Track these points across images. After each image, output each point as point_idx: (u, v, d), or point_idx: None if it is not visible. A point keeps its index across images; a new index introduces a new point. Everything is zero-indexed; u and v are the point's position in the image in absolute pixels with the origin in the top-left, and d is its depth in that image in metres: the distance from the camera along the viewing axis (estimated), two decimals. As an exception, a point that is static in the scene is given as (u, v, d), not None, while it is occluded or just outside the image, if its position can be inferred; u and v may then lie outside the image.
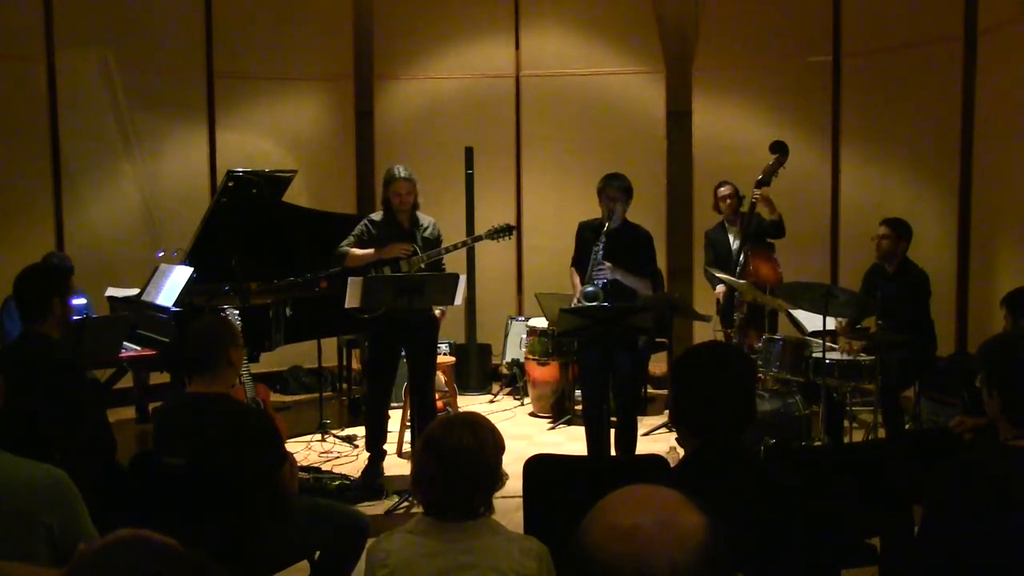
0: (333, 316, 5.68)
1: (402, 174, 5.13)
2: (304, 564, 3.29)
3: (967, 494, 2.06)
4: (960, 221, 6.51)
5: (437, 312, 5.34)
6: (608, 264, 4.87)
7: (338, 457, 5.75)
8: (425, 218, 5.27)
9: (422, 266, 5.14)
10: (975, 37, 6.35)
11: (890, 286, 5.41)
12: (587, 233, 5.06)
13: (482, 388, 7.56)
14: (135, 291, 5.75)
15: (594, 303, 4.74)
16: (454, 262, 6.52)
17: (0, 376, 2.31)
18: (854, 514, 3.10)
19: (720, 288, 6.27)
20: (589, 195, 5.05)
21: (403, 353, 5.38)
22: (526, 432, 6.43)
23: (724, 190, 6.30)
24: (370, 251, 5.14)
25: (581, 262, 5.02)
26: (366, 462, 5.28)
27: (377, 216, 5.28)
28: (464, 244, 5.49)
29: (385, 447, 5.33)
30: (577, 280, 5.04)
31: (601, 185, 4.97)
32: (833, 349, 5.46)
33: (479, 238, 5.53)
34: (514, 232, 5.46)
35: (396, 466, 5.47)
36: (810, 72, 7.25)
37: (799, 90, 7.31)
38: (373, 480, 5.12)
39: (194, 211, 6.59)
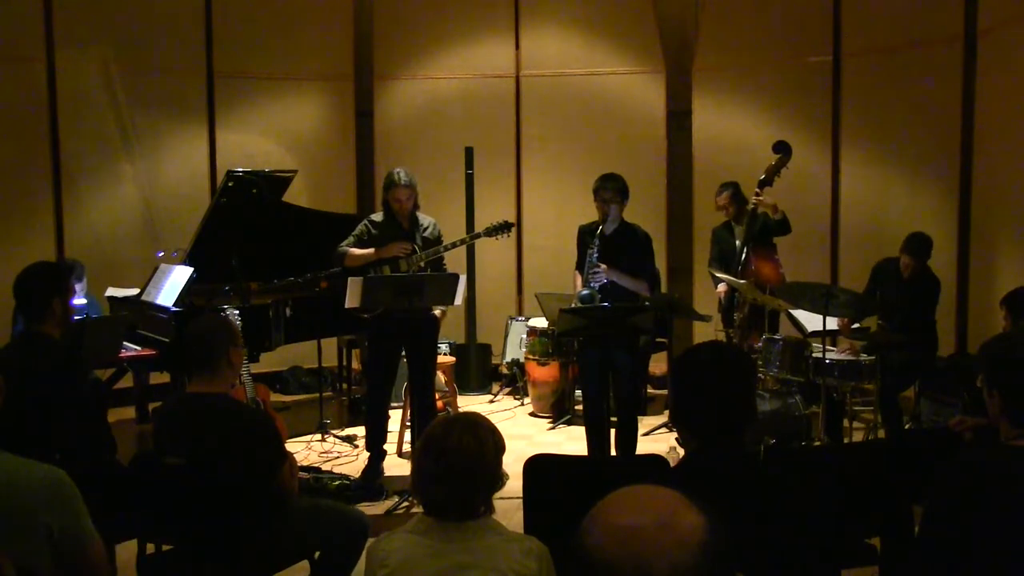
0: (333, 316, 5.68)
1: (402, 180, 5.11)
2: (304, 564, 3.29)
3: (967, 494, 2.06)
4: (960, 221, 6.50)
5: (437, 312, 5.34)
6: (603, 266, 4.88)
7: (338, 457, 5.75)
8: (425, 219, 5.28)
9: (421, 264, 5.14)
10: (975, 37, 6.34)
11: (900, 287, 5.42)
12: (586, 236, 5.06)
13: (482, 388, 7.56)
14: (135, 291, 5.75)
15: (590, 305, 4.75)
16: (454, 262, 6.52)
17: (0, 376, 2.31)
18: (854, 514, 3.10)
19: (721, 287, 6.27)
20: (589, 195, 5.05)
21: (403, 353, 5.39)
22: (526, 432, 6.43)
23: (721, 199, 6.31)
24: (370, 251, 5.15)
25: (582, 266, 5.03)
26: (366, 462, 5.28)
27: (378, 217, 5.29)
28: (463, 242, 5.50)
29: (385, 447, 5.33)
30: (579, 283, 5.04)
31: (596, 186, 4.96)
32: (832, 350, 5.46)
33: (477, 235, 5.53)
34: (512, 229, 5.46)
35: (396, 466, 5.46)
36: (810, 72, 7.25)
37: (799, 90, 7.31)
38: (373, 480, 5.12)
39: (194, 211, 6.58)
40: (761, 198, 5.93)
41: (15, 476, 2.12)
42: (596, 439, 4.97)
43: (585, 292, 4.86)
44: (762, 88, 7.44)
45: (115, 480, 3.24)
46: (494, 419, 2.36)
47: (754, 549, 1.77)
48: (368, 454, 5.29)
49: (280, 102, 7.79)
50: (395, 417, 5.78)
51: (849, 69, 7.10)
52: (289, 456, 3.20)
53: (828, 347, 5.29)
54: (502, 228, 5.37)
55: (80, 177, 6.98)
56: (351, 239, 5.25)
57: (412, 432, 5.19)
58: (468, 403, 6.95)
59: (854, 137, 7.12)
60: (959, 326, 6.48)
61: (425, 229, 5.24)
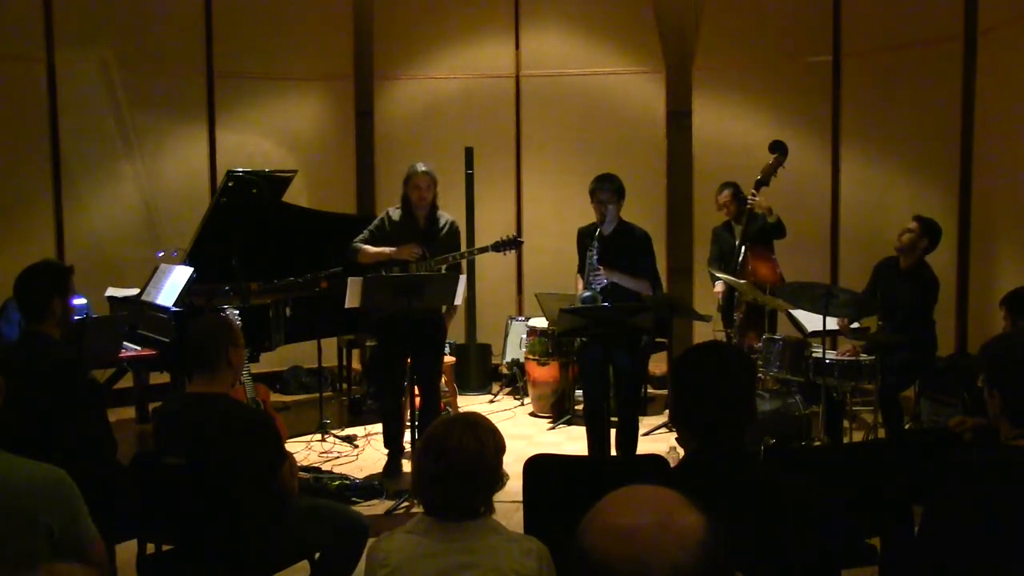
0: (333, 316, 5.69)
1: (422, 168, 5.19)
2: (304, 564, 3.29)
3: (967, 494, 2.06)
4: (960, 221, 6.50)
5: (444, 310, 5.35)
6: (602, 269, 4.88)
7: (338, 457, 5.75)
8: (443, 216, 5.30)
9: (433, 268, 5.15)
10: (975, 37, 6.34)
11: (900, 285, 5.41)
12: (585, 239, 5.07)
13: (482, 388, 7.55)
14: (135, 291, 5.75)
15: (590, 305, 4.76)
16: (454, 262, 6.51)
17: (0, 376, 2.31)
18: (854, 514, 3.10)
19: (719, 287, 6.27)
20: (589, 195, 5.05)
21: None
22: (526, 432, 6.42)
23: (722, 197, 6.31)
24: (384, 250, 5.16)
25: (583, 269, 5.04)
26: (387, 458, 5.38)
27: (395, 213, 5.29)
28: (470, 254, 5.49)
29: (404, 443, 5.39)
30: (580, 286, 5.05)
31: (592, 188, 4.97)
32: (833, 350, 5.47)
33: (484, 249, 5.49)
34: (521, 245, 5.48)
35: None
36: (810, 72, 7.24)
37: (799, 90, 7.31)
38: (395, 475, 5.20)
39: (194, 211, 6.58)
40: (757, 199, 5.94)
41: (15, 476, 2.12)
42: (596, 439, 4.97)
43: (587, 294, 4.86)
44: (762, 88, 7.43)
45: (115, 480, 3.24)
46: (494, 419, 2.36)
47: (754, 549, 1.77)
48: (387, 451, 5.38)
49: (280, 102, 7.79)
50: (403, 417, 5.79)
51: (849, 69, 7.10)
52: (289, 456, 3.20)
53: (828, 347, 5.29)
54: (511, 244, 5.33)
55: (80, 177, 6.98)
56: (365, 234, 5.27)
57: (413, 432, 5.19)
58: (468, 403, 6.95)
59: (854, 137, 7.11)
60: (959, 326, 6.48)
61: (442, 229, 5.25)
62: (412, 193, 5.16)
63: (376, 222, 5.30)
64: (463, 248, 5.49)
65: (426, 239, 5.19)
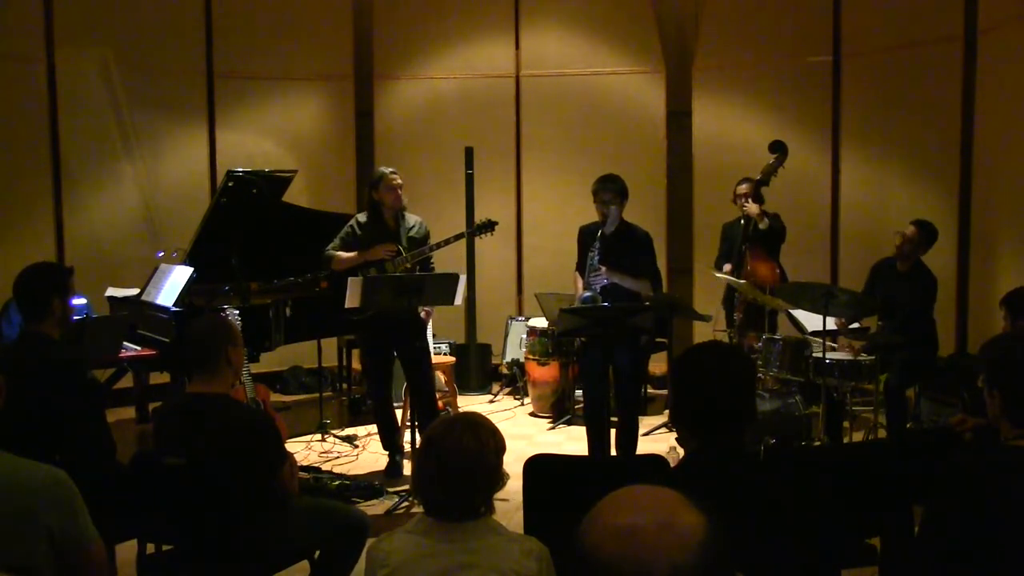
0: (333, 316, 5.69)
1: (391, 169, 5.21)
2: (304, 564, 3.29)
3: (967, 494, 2.06)
4: (960, 221, 6.50)
5: (422, 313, 5.35)
6: (603, 268, 4.89)
7: (338, 457, 5.75)
8: (412, 217, 5.31)
9: (408, 266, 5.16)
10: (975, 37, 6.34)
11: (899, 286, 5.42)
12: (586, 238, 5.07)
13: (482, 388, 7.55)
14: (135, 291, 5.75)
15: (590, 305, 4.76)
16: (454, 262, 6.52)
17: (0, 376, 2.31)
18: (853, 514, 3.10)
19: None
20: (589, 195, 5.04)
21: (395, 354, 5.43)
22: (526, 432, 6.42)
23: (742, 188, 6.28)
24: (353, 254, 5.17)
25: (582, 267, 5.04)
26: (387, 460, 5.39)
27: (363, 217, 5.30)
28: (447, 242, 5.43)
29: (404, 444, 5.39)
30: (580, 285, 5.05)
31: (595, 188, 4.97)
32: (833, 349, 5.46)
33: (461, 236, 5.51)
34: (496, 227, 5.49)
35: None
36: (810, 72, 7.25)
37: (799, 90, 7.31)
38: (395, 475, 5.21)
39: (194, 211, 6.58)
40: (748, 207, 5.94)
41: (15, 477, 2.12)
42: (596, 439, 4.98)
43: (587, 295, 4.86)
44: (762, 88, 7.43)
45: (115, 480, 3.24)
46: (494, 419, 2.35)
47: (754, 549, 1.77)
48: (387, 452, 5.39)
49: (280, 102, 7.79)
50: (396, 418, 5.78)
51: (849, 69, 7.10)
52: (289, 456, 3.20)
53: (829, 345, 5.29)
54: (486, 227, 5.40)
55: (80, 177, 6.98)
56: (336, 242, 5.28)
57: (413, 432, 5.20)
58: (468, 403, 6.95)
59: (854, 137, 7.12)
60: (959, 326, 6.48)
61: (411, 228, 5.26)
62: (388, 195, 5.16)
63: (346, 228, 5.29)
64: None
65: (397, 239, 5.21)
